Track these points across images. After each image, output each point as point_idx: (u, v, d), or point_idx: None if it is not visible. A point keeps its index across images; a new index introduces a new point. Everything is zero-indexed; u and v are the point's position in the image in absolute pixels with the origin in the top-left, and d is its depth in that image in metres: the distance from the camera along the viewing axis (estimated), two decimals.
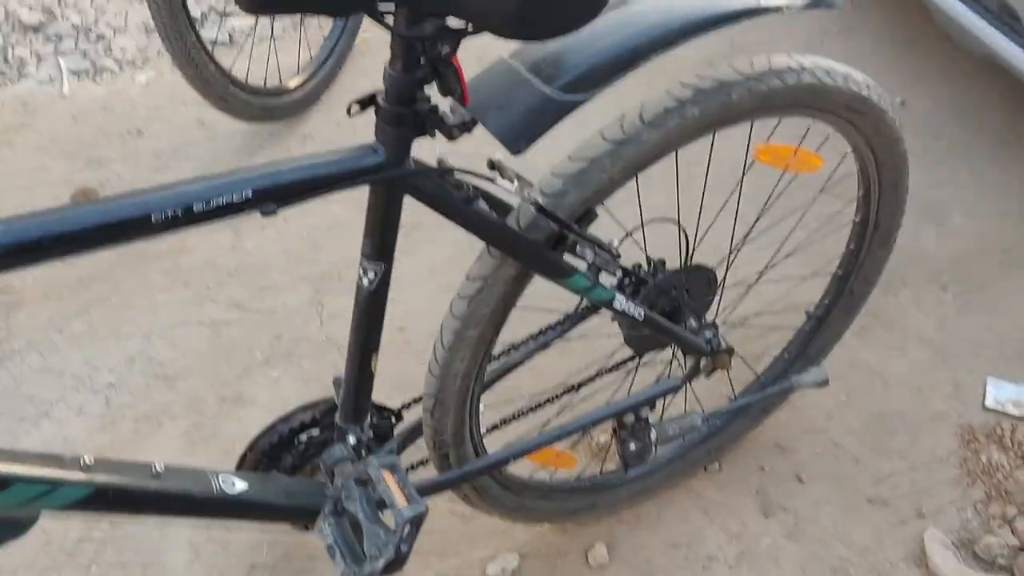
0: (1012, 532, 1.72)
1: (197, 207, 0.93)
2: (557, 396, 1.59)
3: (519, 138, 1.06)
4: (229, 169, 0.97)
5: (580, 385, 1.60)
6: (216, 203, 0.94)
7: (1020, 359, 1.98)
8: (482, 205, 1.14)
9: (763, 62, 1.24)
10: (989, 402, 1.91)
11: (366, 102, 1.03)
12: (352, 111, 1.04)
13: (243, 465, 1.34)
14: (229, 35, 2.65)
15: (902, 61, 2.57)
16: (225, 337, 1.97)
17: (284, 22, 2.67)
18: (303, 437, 1.35)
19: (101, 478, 1.05)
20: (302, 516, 1.27)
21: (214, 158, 2.29)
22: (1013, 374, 1.95)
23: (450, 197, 1.10)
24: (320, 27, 2.52)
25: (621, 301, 1.30)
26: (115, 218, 0.90)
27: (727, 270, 1.54)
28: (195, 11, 2.65)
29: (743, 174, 1.45)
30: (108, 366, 1.91)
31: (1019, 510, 1.74)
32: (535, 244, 1.17)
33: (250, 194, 0.95)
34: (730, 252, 1.55)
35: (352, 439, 1.27)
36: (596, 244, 1.23)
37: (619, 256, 1.27)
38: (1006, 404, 1.91)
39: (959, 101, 2.47)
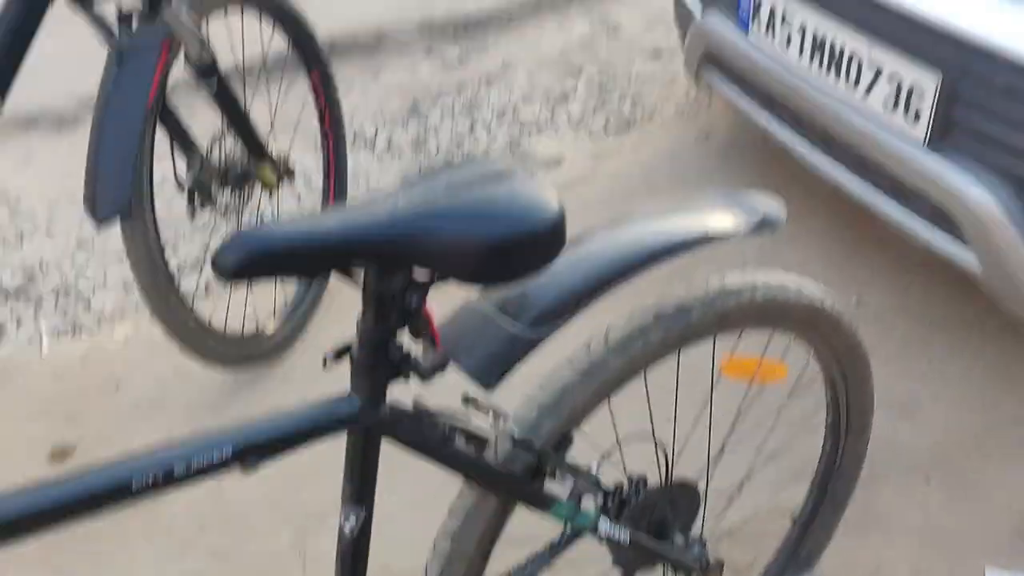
0: None
1: (178, 470, 0.94)
2: None
3: (490, 375, 1.10)
4: (208, 420, 0.99)
5: None
6: (196, 465, 0.95)
7: (1013, 546, 1.96)
8: (459, 442, 1.16)
9: (717, 282, 1.31)
10: None
11: (340, 352, 1.07)
12: (327, 363, 1.07)
13: None
14: (207, 285, 2.73)
15: (853, 260, 2.69)
16: None
17: None
18: None
19: None
20: None
21: (193, 407, 2.30)
22: (1009, 562, 1.93)
23: (427, 438, 1.12)
24: None
25: (606, 525, 1.29)
26: (94, 489, 0.90)
27: (708, 482, 1.54)
28: (172, 262, 2.74)
29: (711, 389, 1.49)
30: None
31: None
32: (514, 476, 1.19)
33: (229, 453, 0.96)
34: (708, 464, 1.56)
35: None
36: (575, 471, 1.24)
37: (599, 480, 1.28)
38: None
39: (911, 296, 2.57)
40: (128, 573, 1.95)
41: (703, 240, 1.20)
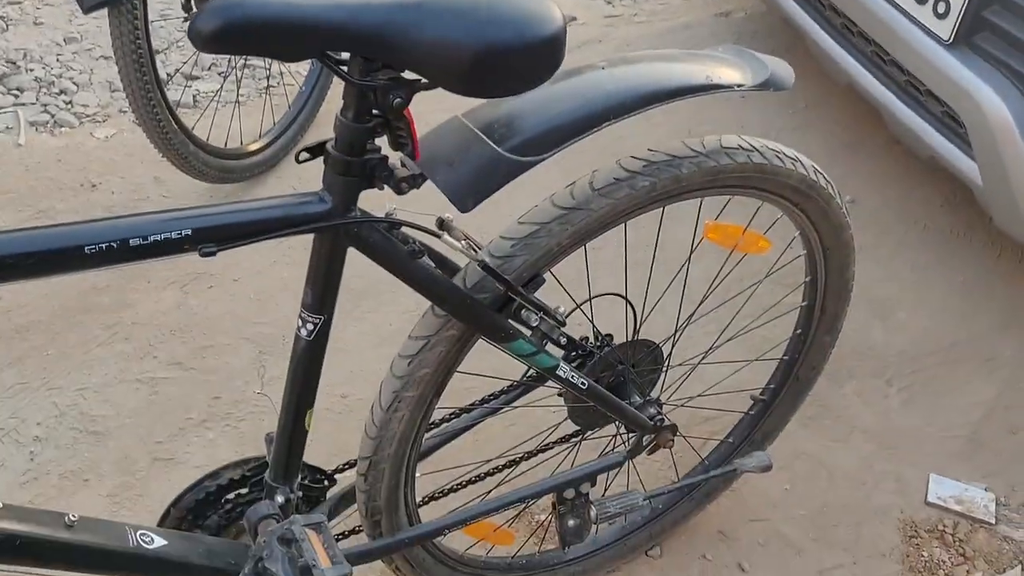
0: None
1: (133, 241, 0.91)
2: (497, 469, 1.56)
3: (467, 196, 1.06)
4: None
5: (522, 459, 1.57)
6: (153, 239, 0.92)
7: (962, 455, 1.99)
8: (428, 262, 1.14)
9: (714, 140, 1.26)
10: (931, 498, 1.91)
11: (316, 150, 1.03)
12: (301, 158, 1.03)
13: (165, 523, 1.29)
14: (194, 98, 2.66)
15: (852, 161, 2.64)
16: (162, 395, 1.92)
17: (249, 88, 2.68)
18: (231, 496, 1.30)
19: (7, 525, 1.00)
20: None
21: None
22: (955, 471, 1.95)
23: (396, 250, 1.09)
24: (286, 95, 2.53)
25: (565, 369, 1.28)
26: (46, 247, 0.87)
27: (672, 347, 1.53)
28: (161, 72, 2.65)
29: (691, 250, 1.46)
30: (37, 419, 1.85)
31: None
32: (480, 305, 1.16)
33: (189, 232, 0.93)
34: (675, 330, 1.55)
35: (280, 498, 1.22)
36: (542, 309, 1.22)
37: (564, 323, 1.26)
38: (948, 500, 1.90)
39: (905, 201, 2.53)
40: (85, 370, 1.94)
41: (707, 87, 1.14)
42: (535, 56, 0.94)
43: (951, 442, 2.02)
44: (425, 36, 0.90)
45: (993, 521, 1.87)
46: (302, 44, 0.89)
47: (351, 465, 1.43)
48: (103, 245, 0.89)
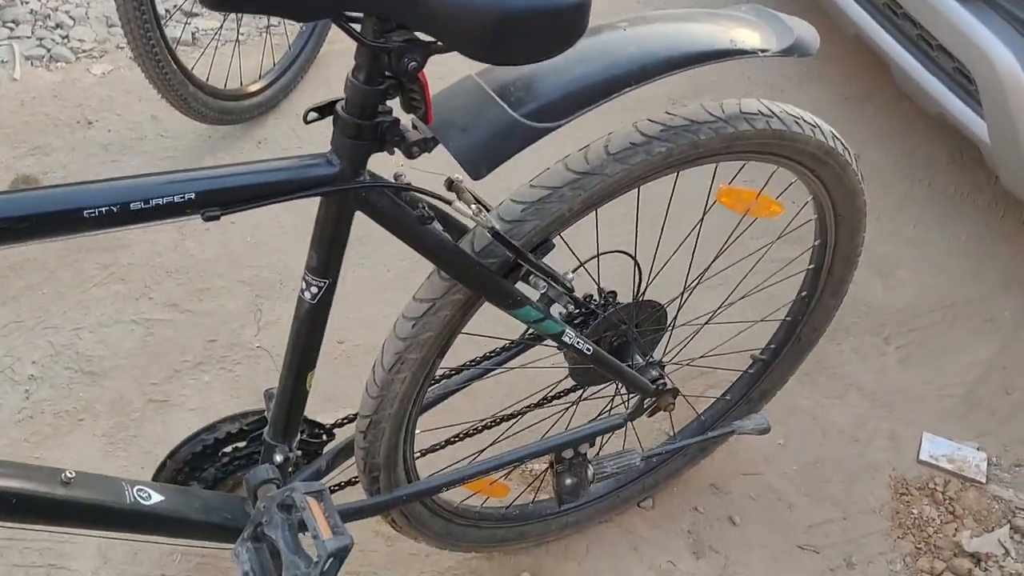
0: None
1: (135, 205, 0.88)
2: (496, 423, 1.56)
3: (481, 162, 1.03)
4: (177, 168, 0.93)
5: (520, 414, 1.57)
6: (155, 203, 0.89)
7: (956, 415, 2.00)
8: (437, 227, 1.11)
9: (733, 105, 1.23)
10: (924, 456, 1.92)
11: (325, 110, 1.00)
12: (309, 118, 1.00)
13: (161, 474, 1.28)
14: (193, 35, 2.59)
15: (859, 115, 2.60)
16: (158, 337, 1.91)
17: (249, 27, 2.61)
18: (228, 450, 1.29)
19: (3, 483, 0.99)
20: (220, 535, 1.21)
21: (164, 155, 2.23)
22: (948, 430, 1.97)
23: (404, 216, 1.06)
24: (286, 34, 2.47)
25: (570, 335, 1.27)
26: (43, 210, 0.85)
27: (679, 308, 1.52)
28: (160, 8, 2.58)
29: (703, 214, 1.44)
30: (32, 358, 1.84)
31: (947, 565, 1.75)
32: (488, 271, 1.14)
33: (192, 196, 0.90)
34: (683, 291, 1.53)
35: (279, 457, 1.22)
36: (550, 276, 1.20)
37: (572, 290, 1.24)
38: (940, 459, 1.92)
39: (910, 158, 2.51)
40: (81, 309, 1.92)
41: (731, 52, 1.11)
42: (558, 22, 0.90)
43: (946, 401, 2.03)
44: None
45: (984, 480, 1.89)
46: (315, 1, 0.85)
47: (350, 420, 1.42)
48: (103, 209, 0.87)
